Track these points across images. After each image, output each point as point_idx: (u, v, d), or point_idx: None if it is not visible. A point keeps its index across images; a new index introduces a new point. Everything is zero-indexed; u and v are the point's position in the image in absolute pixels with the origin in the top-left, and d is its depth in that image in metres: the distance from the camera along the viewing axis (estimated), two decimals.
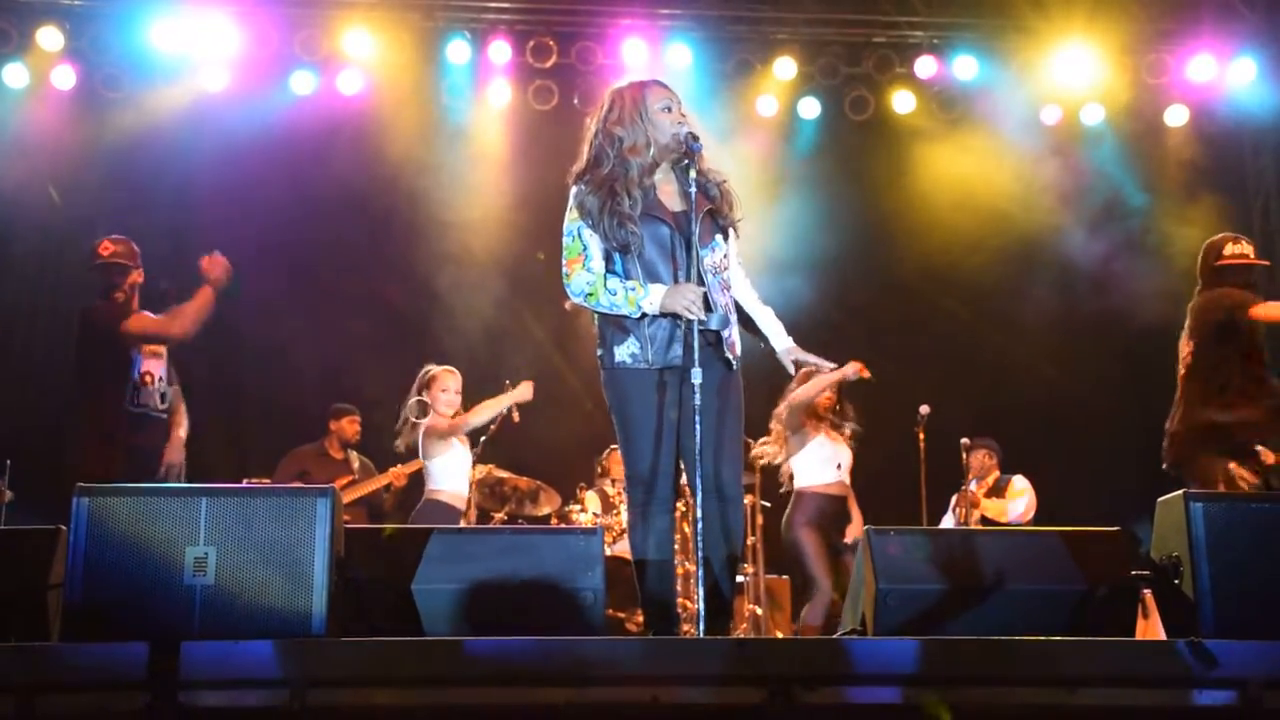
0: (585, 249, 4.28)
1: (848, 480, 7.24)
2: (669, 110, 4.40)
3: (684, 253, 4.23)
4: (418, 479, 7.33)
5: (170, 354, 5.93)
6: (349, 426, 8.10)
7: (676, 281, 4.19)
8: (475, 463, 7.71)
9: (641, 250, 4.22)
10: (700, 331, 4.13)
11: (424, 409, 6.93)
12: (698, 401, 4.07)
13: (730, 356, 4.31)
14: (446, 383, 6.97)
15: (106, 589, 3.59)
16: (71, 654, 3.48)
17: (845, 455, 7.23)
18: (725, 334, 4.30)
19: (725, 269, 4.36)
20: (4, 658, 3.49)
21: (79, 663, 3.43)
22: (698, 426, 4.07)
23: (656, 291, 4.17)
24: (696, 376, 4.08)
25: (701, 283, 4.18)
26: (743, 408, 4.36)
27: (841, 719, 3.66)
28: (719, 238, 4.35)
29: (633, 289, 4.18)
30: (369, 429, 8.25)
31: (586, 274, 4.26)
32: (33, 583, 3.78)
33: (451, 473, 6.89)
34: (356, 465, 8.13)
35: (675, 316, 4.17)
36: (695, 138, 4.27)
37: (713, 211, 4.34)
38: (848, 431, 7.26)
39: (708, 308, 4.16)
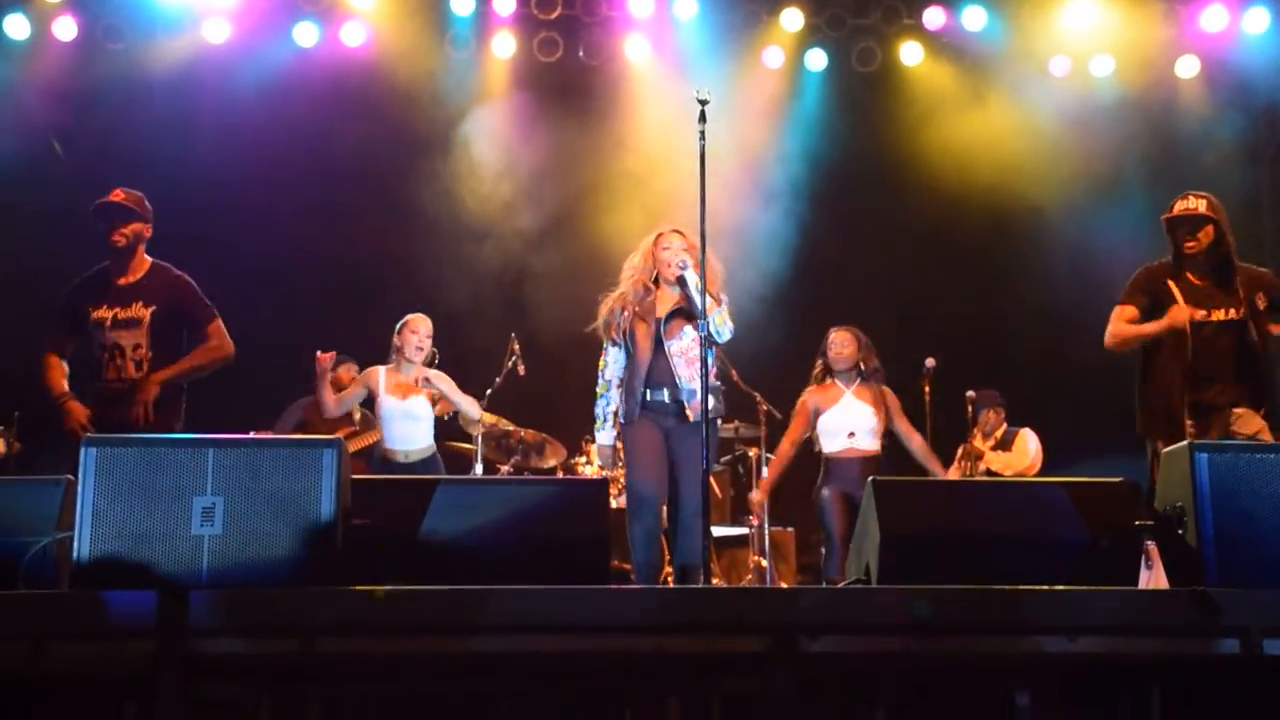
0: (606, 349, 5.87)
1: (865, 444, 6.88)
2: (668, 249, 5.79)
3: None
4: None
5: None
6: (344, 375, 8.10)
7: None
8: (481, 415, 7.73)
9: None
10: (668, 400, 5.63)
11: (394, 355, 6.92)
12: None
13: (690, 415, 5.54)
14: (417, 327, 6.91)
15: (115, 538, 3.61)
16: (81, 602, 3.51)
17: (861, 421, 6.90)
18: (688, 400, 5.56)
19: (692, 351, 5.56)
20: (15, 606, 3.53)
21: (89, 611, 3.46)
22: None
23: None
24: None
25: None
26: (701, 455, 5.30)
27: (845, 667, 3.69)
28: (688, 328, 5.65)
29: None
30: None
31: (602, 375, 5.90)
32: (42, 532, 3.82)
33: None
34: (358, 416, 8.14)
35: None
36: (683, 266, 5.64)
37: (684, 312, 5.66)
38: (879, 386, 7.05)
39: (671, 383, 5.63)
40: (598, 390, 5.91)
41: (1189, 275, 5.62)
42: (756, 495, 7.41)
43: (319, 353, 6.75)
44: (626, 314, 5.78)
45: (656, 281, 5.83)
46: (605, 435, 5.92)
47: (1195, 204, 5.56)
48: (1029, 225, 9.46)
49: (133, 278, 5.87)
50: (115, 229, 5.81)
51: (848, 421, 6.90)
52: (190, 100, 8.98)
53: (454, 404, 6.95)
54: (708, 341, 5.34)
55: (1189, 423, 5.37)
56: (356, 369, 7.86)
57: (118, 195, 5.88)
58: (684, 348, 5.68)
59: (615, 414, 5.86)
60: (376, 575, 3.72)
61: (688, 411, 5.58)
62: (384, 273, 9.15)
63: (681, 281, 5.68)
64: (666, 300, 5.79)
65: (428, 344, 6.89)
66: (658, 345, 5.69)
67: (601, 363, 5.91)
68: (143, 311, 5.79)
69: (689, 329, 5.66)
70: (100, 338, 5.77)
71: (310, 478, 3.71)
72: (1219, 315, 5.49)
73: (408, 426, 6.83)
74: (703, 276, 5.27)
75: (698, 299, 5.50)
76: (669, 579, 6.59)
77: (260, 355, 6.72)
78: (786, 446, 7.11)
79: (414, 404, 6.82)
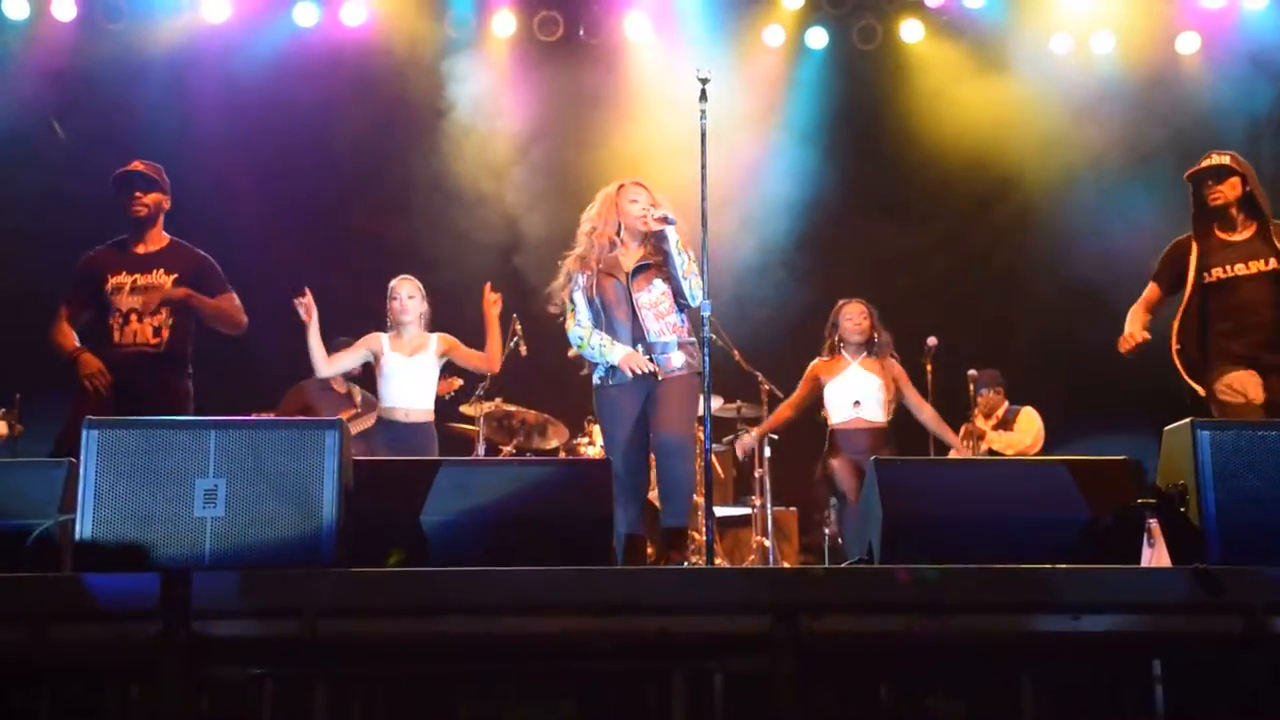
0: (574, 306, 5.64)
1: (872, 415, 6.97)
2: (635, 201, 5.59)
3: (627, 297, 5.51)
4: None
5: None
6: None
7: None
8: (482, 396, 7.73)
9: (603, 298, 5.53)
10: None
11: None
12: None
13: (662, 371, 5.43)
14: (397, 291, 6.81)
15: (118, 521, 3.61)
16: (84, 585, 3.51)
17: (866, 390, 7.00)
18: (659, 355, 5.44)
19: (663, 304, 5.52)
20: (18, 588, 3.53)
21: (92, 593, 3.46)
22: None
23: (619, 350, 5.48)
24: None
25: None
26: (683, 405, 5.42)
27: (847, 646, 3.70)
28: (658, 281, 5.52)
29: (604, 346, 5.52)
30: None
31: (576, 327, 5.63)
32: (45, 515, 3.82)
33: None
34: (359, 399, 8.13)
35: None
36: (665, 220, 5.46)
37: (653, 264, 5.52)
38: (886, 358, 7.07)
39: (642, 339, 5.46)
40: (582, 339, 5.58)
41: (1217, 231, 5.61)
42: (746, 438, 7.41)
43: (296, 298, 6.46)
44: (590, 273, 5.58)
45: (619, 234, 5.64)
46: (615, 352, 5.48)
47: (1219, 159, 5.60)
48: (1030, 203, 9.45)
49: (153, 247, 5.94)
50: (136, 199, 5.85)
51: (852, 391, 6.96)
52: (189, 81, 8.95)
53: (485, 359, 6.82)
54: (686, 306, 5.52)
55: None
56: None
57: (137, 166, 5.92)
58: (653, 300, 5.52)
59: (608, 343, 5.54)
60: (380, 557, 3.72)
61: (662, 366, 5.45)
62: (384, 251, 9.12)
63: (661, 236, 5.48)
64: (632, 254, 5.61)
65: (410, 304, 6.73)
66: (627, 300, 5.52)
67: (571, 320, 5.65)
68: (164, 279, 5.84)
69: (658, 281, 5.53)
70: (115, 302, 5.80)
71: (312, 459, 3.70)
72: (1258, 266, 5.50)
73: (411, 384, 6.69)
74: (704, 261, 5.26)
75: (677, 258, 5.46)
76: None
77: (260, 335, 6.71)
78: (786, 409, 7.21)
79: (420, 362, 6.72)
